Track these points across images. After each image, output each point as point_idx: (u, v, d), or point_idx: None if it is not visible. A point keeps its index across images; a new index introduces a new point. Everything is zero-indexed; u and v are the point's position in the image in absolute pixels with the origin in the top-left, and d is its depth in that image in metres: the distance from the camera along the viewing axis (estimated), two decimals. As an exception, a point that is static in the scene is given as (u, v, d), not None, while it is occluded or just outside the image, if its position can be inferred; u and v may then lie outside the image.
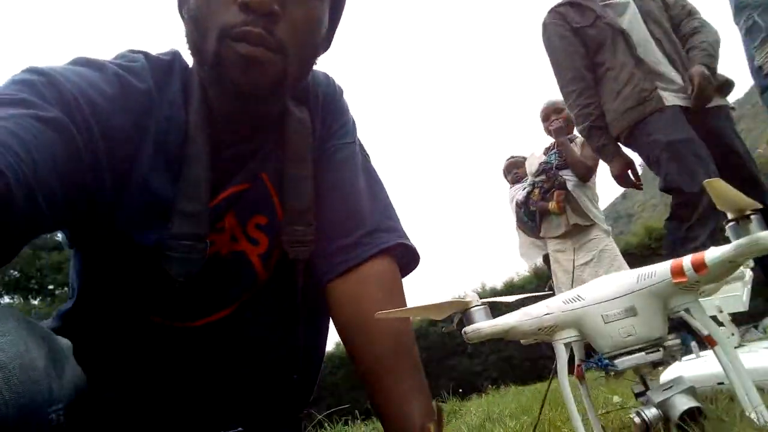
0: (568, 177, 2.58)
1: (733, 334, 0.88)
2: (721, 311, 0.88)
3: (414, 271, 0.74)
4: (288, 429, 0.72)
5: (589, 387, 0.76)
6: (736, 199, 0.51)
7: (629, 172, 1.74)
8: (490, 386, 4.64)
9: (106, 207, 0.59)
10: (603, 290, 0.65)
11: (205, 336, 0.66)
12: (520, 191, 2.81)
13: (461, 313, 0.64)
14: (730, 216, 0.53)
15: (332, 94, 0.76)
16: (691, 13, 1.88)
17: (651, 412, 0.62)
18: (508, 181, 3.05)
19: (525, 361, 5.91)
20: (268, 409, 0.68)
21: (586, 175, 2.59)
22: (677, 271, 0.59)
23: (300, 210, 0.68)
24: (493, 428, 1.08)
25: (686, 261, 0.58)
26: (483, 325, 0.61)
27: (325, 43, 0.72)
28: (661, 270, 0.61)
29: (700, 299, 0.90)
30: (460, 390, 3.04)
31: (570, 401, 0.63)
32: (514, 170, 3.02)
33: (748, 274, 0.91)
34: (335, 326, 0.67)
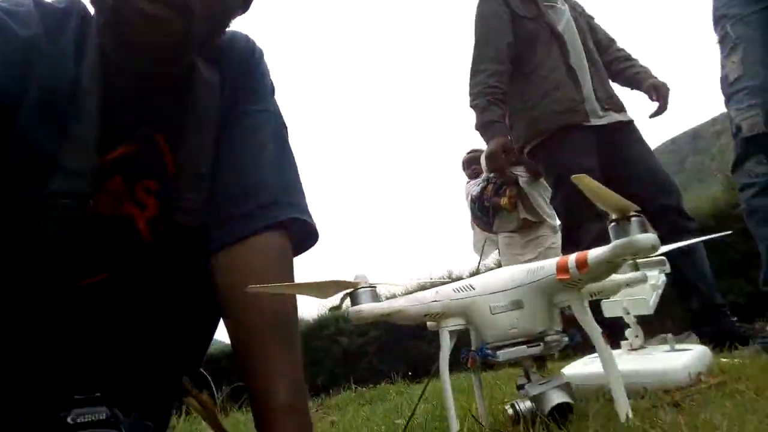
0: (521, 174, 2.60)
1: (637, 336, 0.89)
2: (627, 313, 0.89)
3: (310, 249, 0.72)
4: (157, 400, 0.70)
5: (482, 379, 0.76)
6: (615, 200, 0.51)
7: (504, 153, 1.70)
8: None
9: None
10: (494, 282, 0.65)
11: (84, 298, 0.63)
12: (474, 187, 2.81)
13: (347, 293, 0.63)
14: (612, 217, 0.53)
15: (249, 56, 0.72)
16: (616, 42, 1.93)
17: (525, 405, 0.62)
18: (466, 175, 3.05)
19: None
20: (143, 377, 0.66)
21: (537, 172, 2.60)
22: (562, 268, 0.58)
23: (195, 176, 0.65)
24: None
25: (571, 259, 0.58)
26: (365, 306, 0.60)
27: (243, 4, 0.68)
28: (548, 266, 0.61)
29: (608, 300, 0.92)
30: (410, 373, 3.06)
31: (447, 390, 0.63)
32: (473, 165, 3.02)
33: (661, 279, 0.92)
34: (217, 297, 0.65)
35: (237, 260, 0.64)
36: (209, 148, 0.68)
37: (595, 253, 0.55)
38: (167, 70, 0.63)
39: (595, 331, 0.59)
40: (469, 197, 2.85)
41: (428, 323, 0.76)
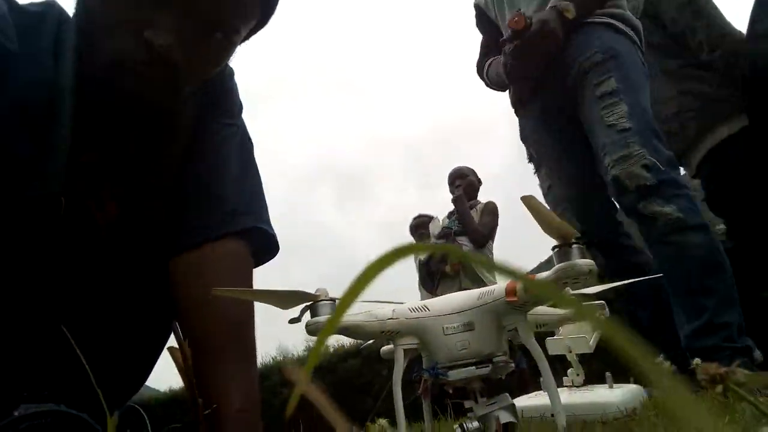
0: (465, 243, 2.79)
1: (578, 374, 0.94)
2: (570, 351, 0.94)
3: (270, 261, 0.74)
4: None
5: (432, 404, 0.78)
6: (558, 226, 0.56)
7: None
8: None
9: None
10: (448, 304, 0.68)
11: (40, 294, 0.63)
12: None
13: (307, 305, 0.65)
14: (556, 243, 0.58)
15: (221, 76, 0.76)
16: None
17: (472, 425, 0.64)
18: (414, 239, 3.20)
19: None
20: (86, 383, 0.65)
21: (481, 242, 2.82)
22: (510, 291, 0.63)
23: (158, 187, 0.67)
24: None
25: (519, 282, 0.62)
26: (323, 319, 0.62)
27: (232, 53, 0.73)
28: (498, 289, 0.65)
29: (552, 338, 0.97)
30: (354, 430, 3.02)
31: (399, 404, 0.64)
32: (420, 230, 3.20)
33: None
34: (174, 303, 0.65)
35: (196, 265, 0.65)
36: (176, 160, 0.70)
37: (540, 276, 0.60)
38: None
39: (537, 351, 0.63)
40: (418, 260, 2.99)
41: (382, 350, 0.79)
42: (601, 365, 1.35)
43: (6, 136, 0.59)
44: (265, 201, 0.73)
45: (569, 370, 0.96)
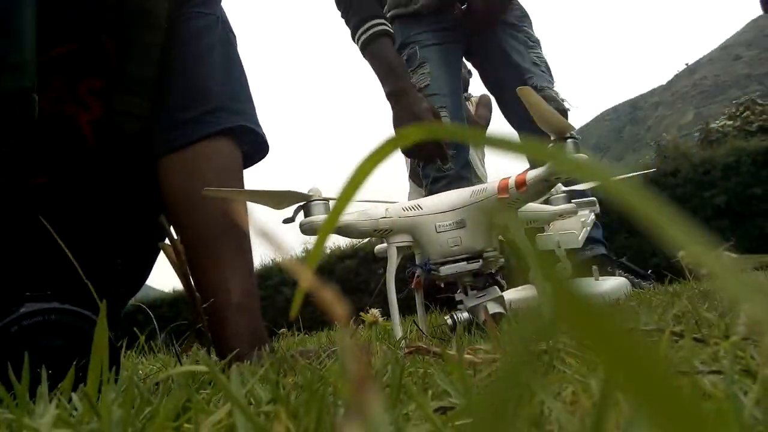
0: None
1: (566, 269, 0.97)
2: (559, 247, 0.96)
3: (260, 161, 0.72)
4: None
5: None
6: (554, 120, 0.55)
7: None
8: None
9: None
10: (440, 203, 0.69)
11: (29, 197, 0.62)
12: None
13: (300, 205, 0.65)
14: (551, 138, 0.57)
15: None
16: None
17: (462, 315, 0.68)
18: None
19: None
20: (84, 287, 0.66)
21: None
22: (503, 188, 0.63)
23: (140, 80, 0.64)
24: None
25: (511, 179, 0.62)
26: (317, 218, 0.63)
27: None
28: (490, 187, 0.65)
29: (542, 234, 0.99)
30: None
31: (393, 300, 0.67)
32: None
33: (590, 216, 1.00)
34: (164, 203, 0.65)
35: (184, 165, 0.64)
36: (155, 51, 0.67)
37: (532, 173, 0.60)
38: None
39: (527, 245, 0.65)
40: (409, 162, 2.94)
41: (376, 249, 0.80)
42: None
43: None
44: (251, 97, 0.71)
45: (557, 264, 0.99)
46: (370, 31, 1.28)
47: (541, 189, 0.61)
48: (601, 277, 0.95)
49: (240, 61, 0.73)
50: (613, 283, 0.91)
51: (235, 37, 0.74)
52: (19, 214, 0.63)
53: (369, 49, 1.29)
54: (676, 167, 3.63)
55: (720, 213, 3.37)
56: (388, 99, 1.29)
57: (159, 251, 0.76)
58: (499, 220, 0.66)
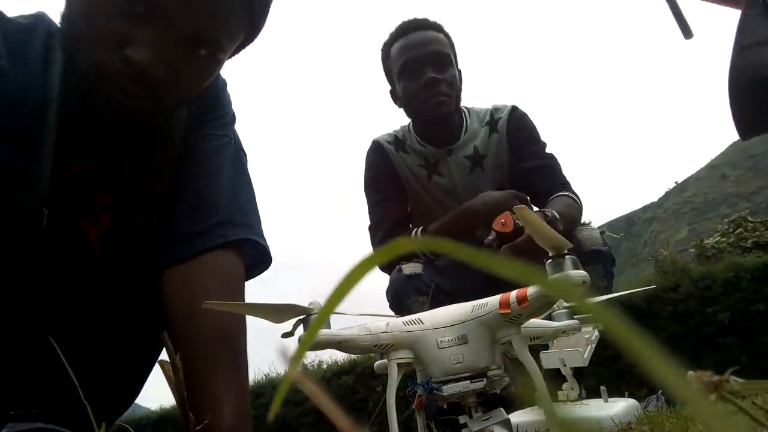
0: None
1: (573, 388, 0.93)
2: (564, 365, 0.93)
3: (262, 273, 0.73)
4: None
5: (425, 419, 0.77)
6: (552, 237, 0.56)
7: None
8: None
9: None
10: (441, 317, 0.68)
11: (29, 308, 0.62)
12: None
13: (300, 319, 0.64)
14: (550, 254, 0.58)
15: (213, 89, 0.76)
16: None
17: (467, 440, 0.64)
18: None
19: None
20: (75, 399, 0.63)
21: None
22: (504, 303, 0.63)
23: (151, 196, 0.67)
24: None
25: (512, 294, 0.62)
26: (319, 333, 0.62)
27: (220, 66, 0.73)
28: (492, 302, 0.65)
29: (546, 351, 0.96)
30: None
31: (393, 418, 0.64)
32: None
33: (595, 333, 0.98)
34: (165, 315, 0.64)
35: (187, 276, 0.65)
36: (168, 170, 0.70)
37: (533, 289, 0.60)
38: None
39: (533, 366, 0.63)
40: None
41: (375, 365, 0.78)
42: (594, 380, 1.35)
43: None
44: (258, 212, 0.73)
45: (564, 384, 0.96)
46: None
47: (543, 305, 0.60)
48: (610, 399, 0.91)
49: (249, 178, 0.76)
50: (624, 405, 0.87)
51: (246, 155, 0.78)
52: (14, 326, 0.62)
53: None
54: (676, 282, 3.62)
55: (725, 330, 3.31)
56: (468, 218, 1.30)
57: (152, 367, 0.73)
58: (501, 337, 0.65)
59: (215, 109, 0.75)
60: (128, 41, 0.58)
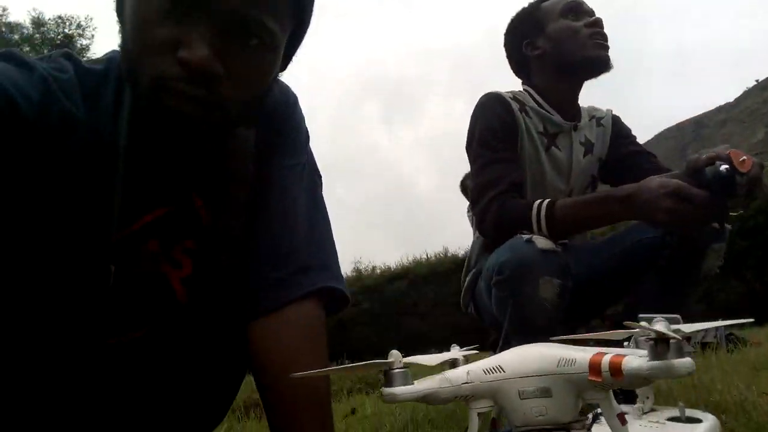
0: None
1: (648, 398, 0.92)
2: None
3: (339, 312, 0.73)
4: None
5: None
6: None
7: None
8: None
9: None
10: (524, 365, 0.66)
11: (115, 356, 0.65)
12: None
13: (383, 373, 0.64)
14: (651, 335, 0.54)
15: (283, 107, 0.72)
16: None
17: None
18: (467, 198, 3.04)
19: (472, 331, 6.09)
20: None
21: None
22: (595, 370, 0.60)
23: (229, 237, 0.66)
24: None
25: (605, 361, 0.59)
26: (398, 390, 0.62)
27: (281, 67, 0.68)
28: (580, 361, 0.62)
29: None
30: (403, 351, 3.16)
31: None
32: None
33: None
34: (252, 367, 0.66)
35: (272, 331, 0.66)
36: (243, 206, 0.69)
37: (630, 365, 0.56)
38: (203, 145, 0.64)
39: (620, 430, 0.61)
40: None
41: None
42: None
43: (66, 202, 0.59)
44: (334, 247, 0.72)
45: (639, 395, 0.94)
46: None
47: (639, 382, 0.57)
48: (687, 411, 0.89)
49: (323, 205, 0.74)
50: (706, 426, 0.85)
51: (320, 178, 0.75)
52: (96, 373, 0.65)
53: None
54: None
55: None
56: (627, 206, 1.16)
57: (224, 416, 0.77)
58: (589, 399, 0.63)
59: (286, 131, 0.72)
60: (178, 43, 0.55)
